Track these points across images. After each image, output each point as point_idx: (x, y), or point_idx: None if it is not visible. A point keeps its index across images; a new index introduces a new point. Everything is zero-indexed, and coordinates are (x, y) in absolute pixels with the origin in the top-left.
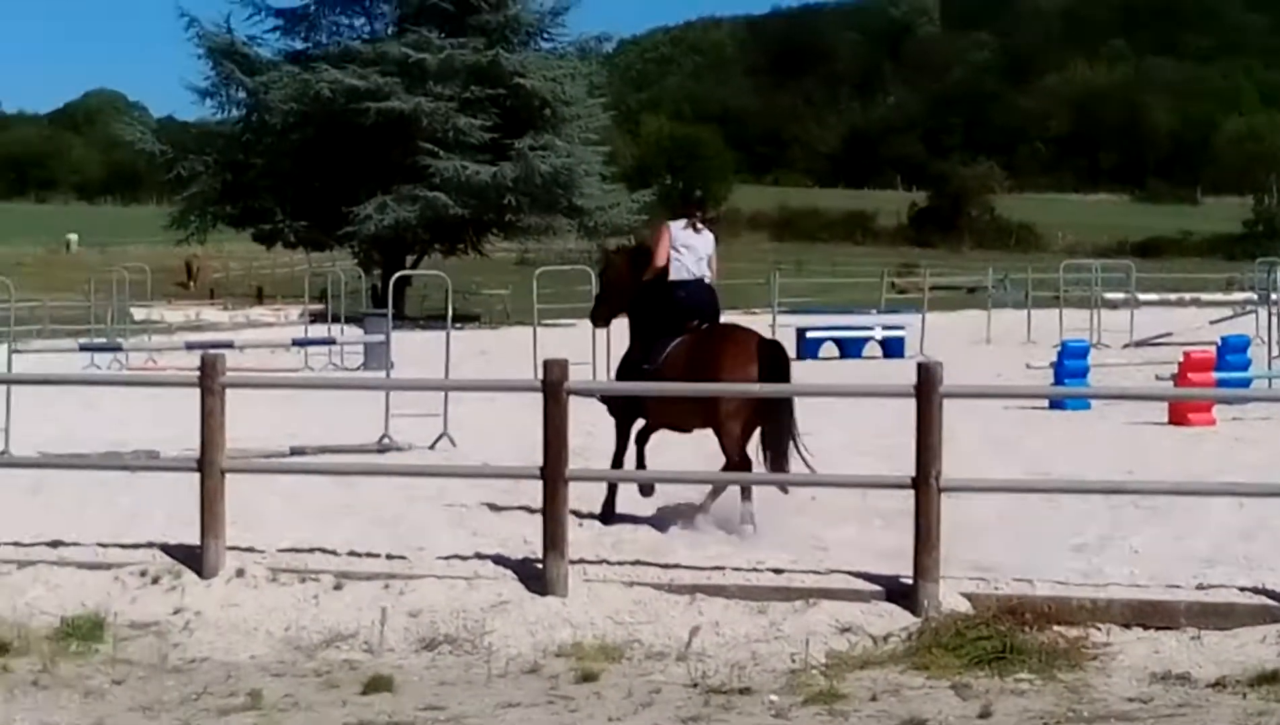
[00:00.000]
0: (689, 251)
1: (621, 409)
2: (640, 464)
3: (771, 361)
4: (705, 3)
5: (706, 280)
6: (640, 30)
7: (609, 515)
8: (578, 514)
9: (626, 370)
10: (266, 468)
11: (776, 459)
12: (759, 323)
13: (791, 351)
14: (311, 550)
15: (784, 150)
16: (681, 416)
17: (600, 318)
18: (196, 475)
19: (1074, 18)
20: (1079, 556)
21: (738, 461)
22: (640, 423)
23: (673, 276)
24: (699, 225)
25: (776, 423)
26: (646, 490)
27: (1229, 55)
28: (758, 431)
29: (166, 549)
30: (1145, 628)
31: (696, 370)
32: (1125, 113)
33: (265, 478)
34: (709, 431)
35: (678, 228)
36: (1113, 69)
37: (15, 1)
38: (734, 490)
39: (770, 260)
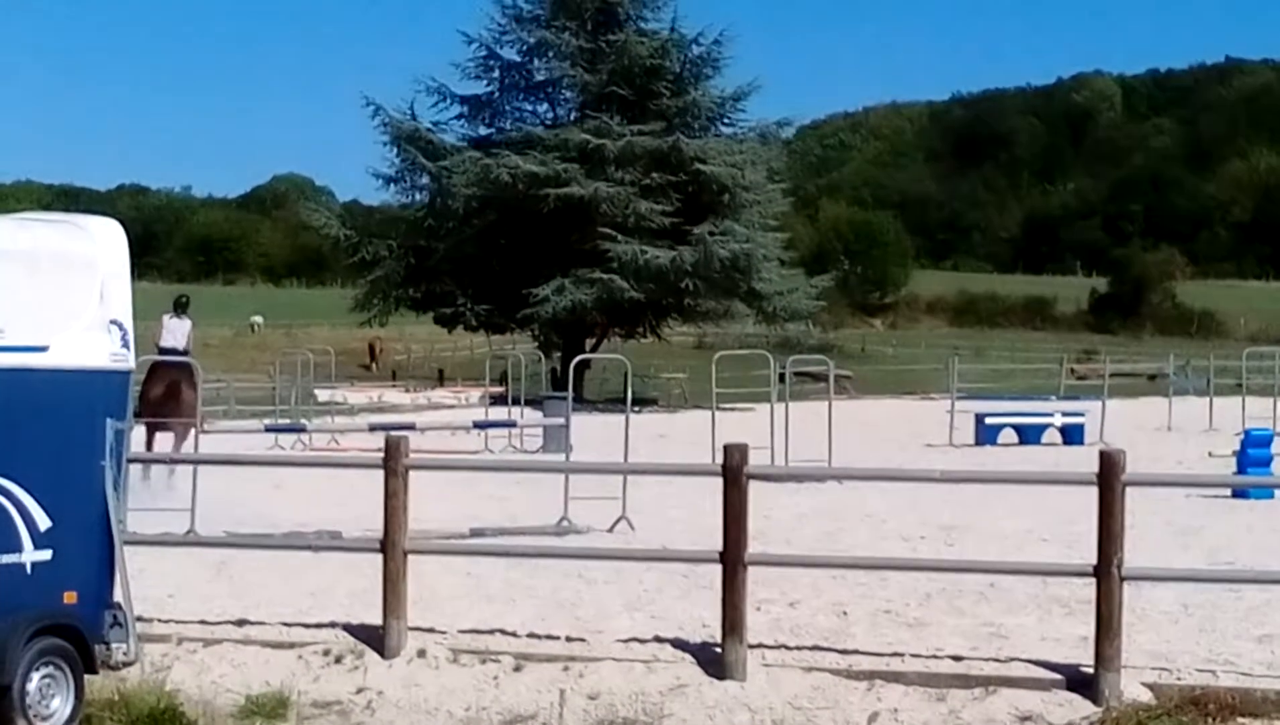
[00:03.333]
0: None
1: None
2: None
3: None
4: (886, 88)
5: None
6: (820, 115)
7: None
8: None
9: None
10: (447, 549)
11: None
12: (937, 407)
13: (970, 437)
14: (492, 632)
15: (963, 236)
16: None
17: None
18: (379, 556)
19: (1257, 105)
20: (1263, 647)
21: None
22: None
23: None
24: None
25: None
26: None
27: None
28: None
29: (349, 629)
30: None
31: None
32: None
33: (446, 559)
34: None
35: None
36: None
37: (206, 88)
38: None
39: (949, 345)
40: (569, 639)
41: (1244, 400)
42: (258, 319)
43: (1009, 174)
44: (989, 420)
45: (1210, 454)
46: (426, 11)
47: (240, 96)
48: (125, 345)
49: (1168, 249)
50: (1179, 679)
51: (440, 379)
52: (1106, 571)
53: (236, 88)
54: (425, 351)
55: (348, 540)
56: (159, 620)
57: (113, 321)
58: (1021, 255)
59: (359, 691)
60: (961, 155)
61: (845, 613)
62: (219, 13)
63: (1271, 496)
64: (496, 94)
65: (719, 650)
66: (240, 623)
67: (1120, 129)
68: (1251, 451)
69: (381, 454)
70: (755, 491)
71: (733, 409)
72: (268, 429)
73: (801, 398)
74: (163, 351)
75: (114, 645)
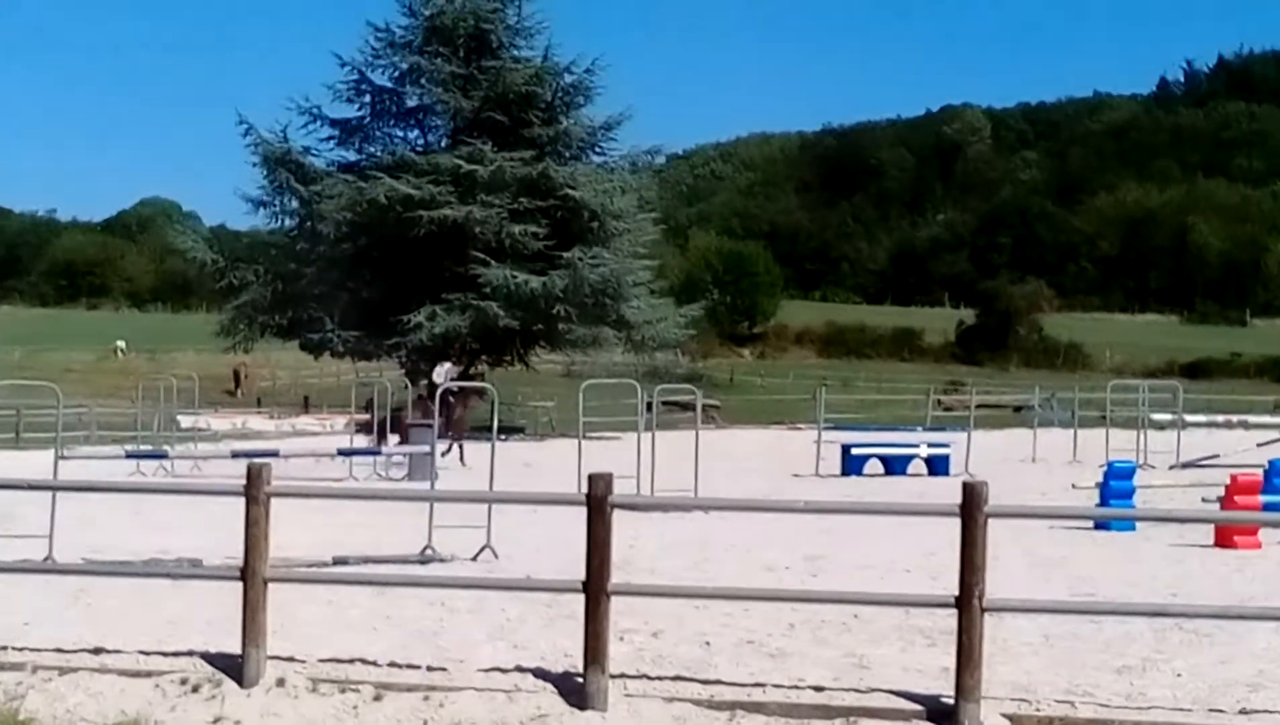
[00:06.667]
0: None
1: None
2: None
3: None
4: (757, 118)
5: None
6: (691, 145)
7: None
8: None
9: None
10: (309, 577)
11: None
12: (804, 438)
13: (836, 468)
14: (352, 661)
15: (833, 267)
16: None
17: None
18: (239, 584)
19: (1124, 139)
20: (1122, 679)
21: None
22: None
23: None
24: None
25: None
26: None
27: None
28: None
29: (208, 657)
30: None
31: None
32: (1175, 233)
33: (307, 587)
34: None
35: None
36: (1163, 190)
37: (69, 110)
38: None
39: (817, 376)
40: (430, 668)
41: (1108, 433)
42: (121, 344)
43: (878, 205)
44: (855, 451)
45: (1073, 486)
46: (298, 35)
47: (106, 119)
48: None
49: (1035, 281)
50: (1038, 710)
51: (306, 406)
52: (968, 602)
53: (102, 110)
54: (291, 378)
55: (208, 568)
56: (13, 648)
57: None
58: (890, 286)
59: (216, 721)
60: (831, 186)
61: (708, 643)
62: (84, 33)
63: (1133, 529)
64: (368, 118)
65: (581, 680)
66: (97, 651)
67: (989, 161)
68: (1114, 483)
69: (243, 481)
70: (620, 521)
71: (600, 438)
72: (129, 455)
73: (669, 427)
74: None
75: None
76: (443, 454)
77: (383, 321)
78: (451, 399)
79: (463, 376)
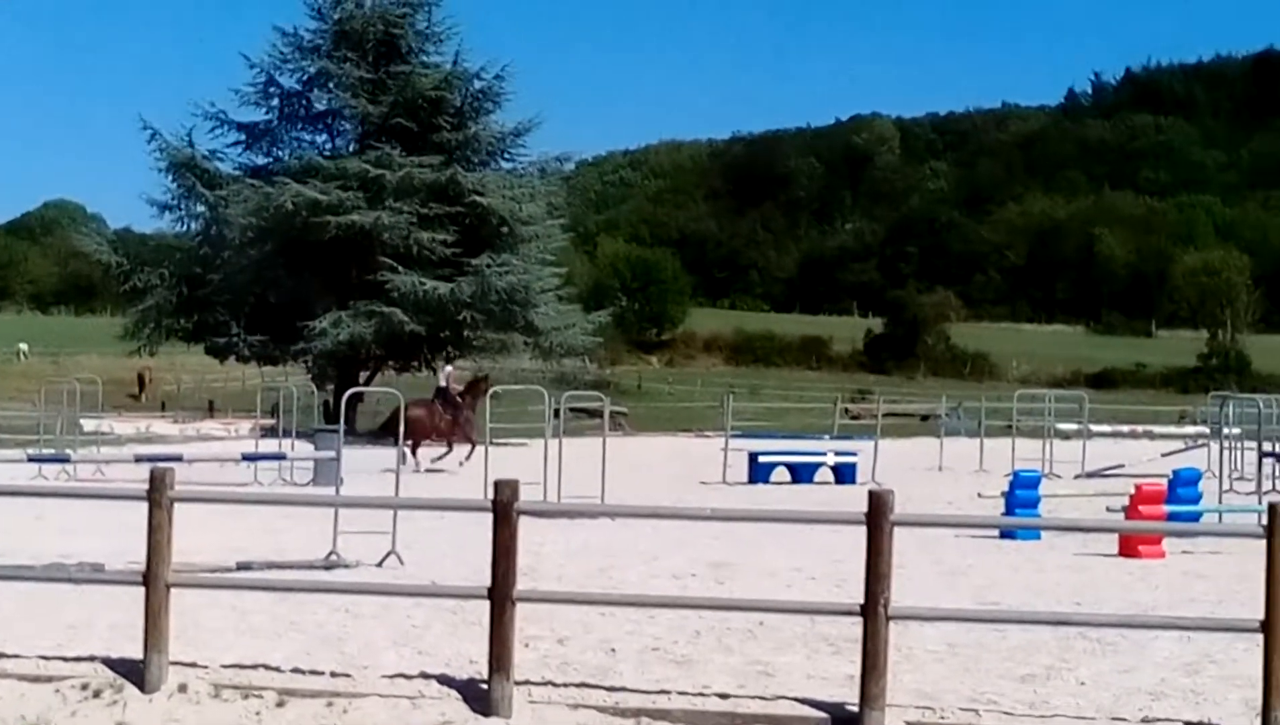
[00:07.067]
0: None
1: None
2: None
3: None
4: (667, 126)
5: None
6: (601, 151)
7: None
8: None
9: None
10: (212, 583)
11: None
12: (711, 445)
13: (743, 475)
14: (255, 667)
15: (741, 275)
16: None
17: None
18: (142, 589)
19: (1032, 150)
20: (1025, 687)
21: None
22: None
23: None
24: None
25: None
26: None
27: (1186, 190)
28: None
29: (109, 663)
30: None
31: None
32: (1082, 244)
33: (211, 592)
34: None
35: None
36: (1070, 201)
37: None
38: None
39: (725, 383)
40: (334, 674)
41: (1014, 442)
42: (24, 346)
43: (788, 213)
44: (762, 458)
45: (979, 495)
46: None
47: (10, 120)
48: None
49: (943, 291)
50: (943, 718)
51: (210, 410)
52: (873, 610)
53: (6, 111)
54: (196, 382)
55: (110, 573)
56: None
57: None
58: (798, 295)
59: None
60: (741, 194)
61: (614, 650)
62: None
63: (1038, 537)
64: (275, 122)
65: (485, 687)
66: None
67: (898, 171)
68: (1019, 493)
69: (146, 486)
70: (527, 528)
71: (508, 444)
72: (30, 459)
73: (577, 434)
74: None
75: None
76: (439, 458)
77: (289, 326)
78: (460, 400)
79: (368, 381)
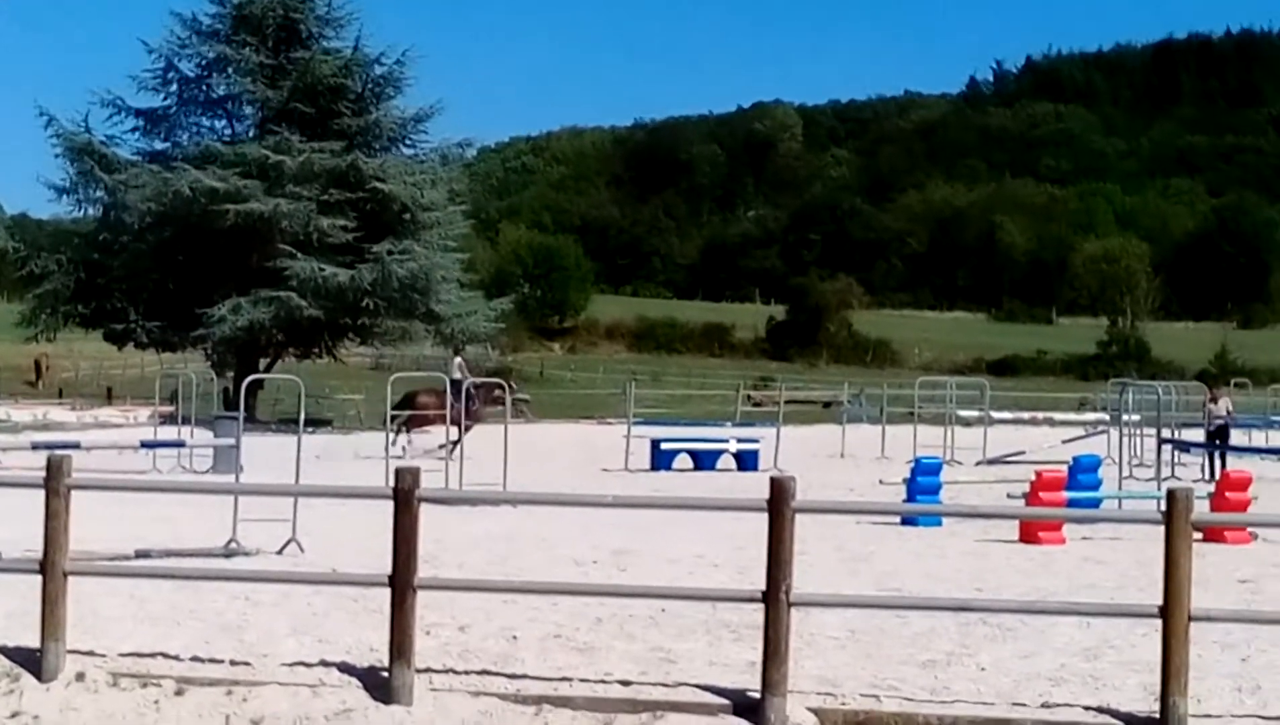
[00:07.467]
0: None
1: None
2: None
3: None
4: (568, 112)
5: None
6: (503, 138)
7: None
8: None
9: None
10: (110, 571)
11: None
12: (614, 432)
13: (646, 462)
14: (154, 655)
15: (644, 261)
16: None
17: None
18: (38, 577)
19: (934, 137)
20: (926, 672)
21: None
22: None
23: None
24: None
25: None
26: None
27: (1086, 178)
28: None
29: (5, 651)
30: None
31: None
32: (983, 232)
33: (109, 580)
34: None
35: None
36: (971, 189)
37: None
38: None
39: (627, 370)
40: (233, 662)
41: (915, 429)
42: None
43: (690, 200)
44: (665, 445)
45: (881, 482)
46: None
47: None
48: None
49: (845, 278)
50: (844, 704)
51: (109, 397)
52: (775, 597)
53: None
54: (94, 369)
55: (6, 561)
56: None
57: None
58: (701, 282)
59: (14, 716)
60: (643, 181)
61: (515, 637)
62: None
63: (939, 524)
64: (174, 108)
65: (386, 675)
66: None
67: (800, 158)
68: (921, 479)
69: (43, 473)
70: (428, 515)
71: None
72: None
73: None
74: None
75: None
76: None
77: (188, 313)
78: (474, 391)
79: (269, 368)
